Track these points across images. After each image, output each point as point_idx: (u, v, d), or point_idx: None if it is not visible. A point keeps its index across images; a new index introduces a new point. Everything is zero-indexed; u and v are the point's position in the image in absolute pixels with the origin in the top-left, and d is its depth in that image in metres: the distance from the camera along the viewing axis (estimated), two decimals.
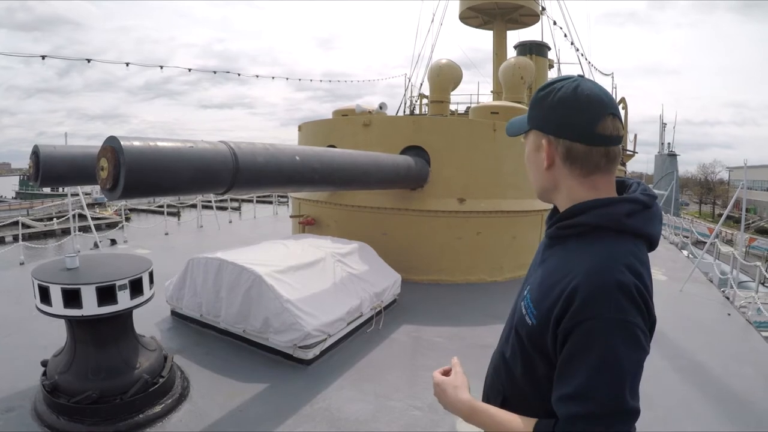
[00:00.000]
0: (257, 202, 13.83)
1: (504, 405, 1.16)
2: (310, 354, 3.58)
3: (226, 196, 4.56)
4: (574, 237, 1.08)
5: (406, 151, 6.02)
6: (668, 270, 7.57)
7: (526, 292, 1.16)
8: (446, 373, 1.26)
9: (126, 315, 2.88)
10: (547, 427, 1.00)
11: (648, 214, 1.07)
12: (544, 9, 13.94)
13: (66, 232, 18.39)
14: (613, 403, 0.92)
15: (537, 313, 1.06)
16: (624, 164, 15.46)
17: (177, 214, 20.70)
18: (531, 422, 1.04)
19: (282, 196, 17.61)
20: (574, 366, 0.95)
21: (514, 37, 18.15)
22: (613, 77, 17.99)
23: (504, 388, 1.20)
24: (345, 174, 4.52)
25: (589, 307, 0.94)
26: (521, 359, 1.14)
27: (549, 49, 14.97)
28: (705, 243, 9.85)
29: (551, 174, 1.12)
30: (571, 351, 0.96)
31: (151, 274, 2.96)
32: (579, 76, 1.12)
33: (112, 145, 2.32)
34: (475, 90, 27.27)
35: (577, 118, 1.05)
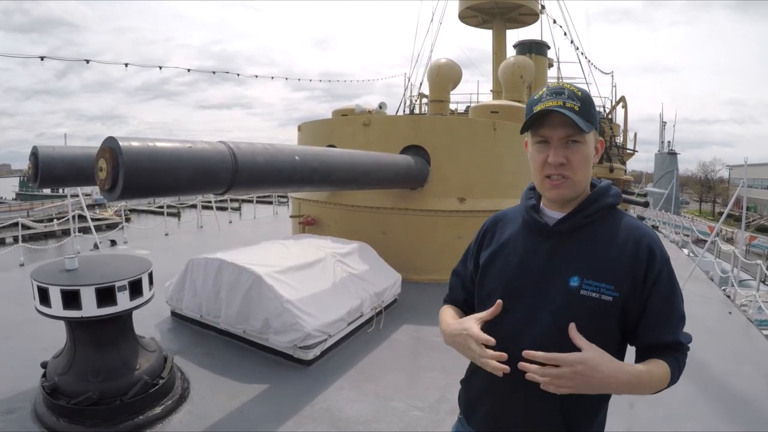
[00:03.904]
0: (257, 202, 13.83)
1: (564, 402, 1.18)
2: (310, 354, 3.57)
3: (225, 197, 4.56)
4: (598, 219, 1.25)
5: (405, 150, 6.01)
6: None
7: (575, 282, 1.19)
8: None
9: (125, 316, 2.87)
10: (673, 355, 1.21)
11: None
12: (543, 8, 13.91)
13: (66, 233, 18.39)
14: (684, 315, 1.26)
15: (616, 286, 1.17)
16: (624, 163, 15.45)
17: (177, 215, 20.70)
18: (659, 363, 1.18)
19: (282, 197, 17.61)
20: (672, 301, 1.22)
21: (514, 36, 18.11)
22: (612, 76, 18.01)
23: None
24: (345, 174, 4.51)
25: (662, 256, 1.22)
26: (600, 345, 1.14)
27: (548, 48, 14.93)
28: (705, 241, 9.84)
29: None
30: (664, 292, 1.20)
31: (150, 275, 2.95)
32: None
33: (110, 146, 2.31)
34: (475, 89, 27.21)
35: None
